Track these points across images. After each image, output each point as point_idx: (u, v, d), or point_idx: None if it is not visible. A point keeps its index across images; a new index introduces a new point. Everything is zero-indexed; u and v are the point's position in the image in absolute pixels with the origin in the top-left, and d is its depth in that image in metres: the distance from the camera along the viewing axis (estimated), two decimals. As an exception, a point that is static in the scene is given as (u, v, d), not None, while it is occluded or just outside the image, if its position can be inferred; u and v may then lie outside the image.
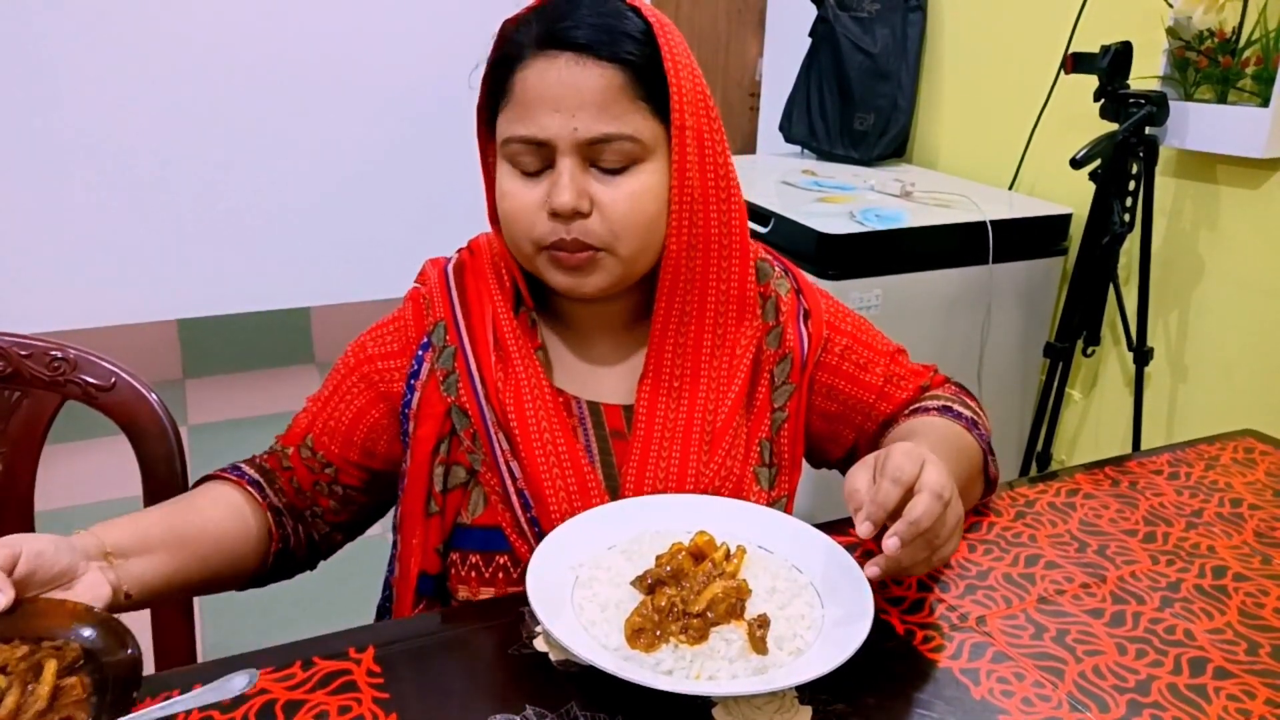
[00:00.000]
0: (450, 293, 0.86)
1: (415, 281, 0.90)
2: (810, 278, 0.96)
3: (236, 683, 0.62)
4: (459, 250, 0.91)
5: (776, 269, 0.91)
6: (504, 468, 0.81)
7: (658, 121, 0.77)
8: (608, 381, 0.87)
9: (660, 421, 0.84)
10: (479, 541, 0.83)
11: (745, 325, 0.86)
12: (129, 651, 0.61)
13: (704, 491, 0.84)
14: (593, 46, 0.74)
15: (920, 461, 0.70)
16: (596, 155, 0.75)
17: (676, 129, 0.77)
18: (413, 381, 0.85)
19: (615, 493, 0.83)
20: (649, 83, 0.76)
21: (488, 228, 0.91)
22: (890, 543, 0.67)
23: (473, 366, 0.83)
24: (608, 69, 0.74)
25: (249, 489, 0.85)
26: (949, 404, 0.90)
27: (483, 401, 0.82)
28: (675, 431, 0.84)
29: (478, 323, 0.84)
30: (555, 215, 0.76)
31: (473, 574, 0.84)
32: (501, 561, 0.83)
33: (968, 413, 0.89)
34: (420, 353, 0.85)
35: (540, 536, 0.78)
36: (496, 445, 0.82)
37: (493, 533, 0.83)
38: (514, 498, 0.82)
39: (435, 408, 0.83)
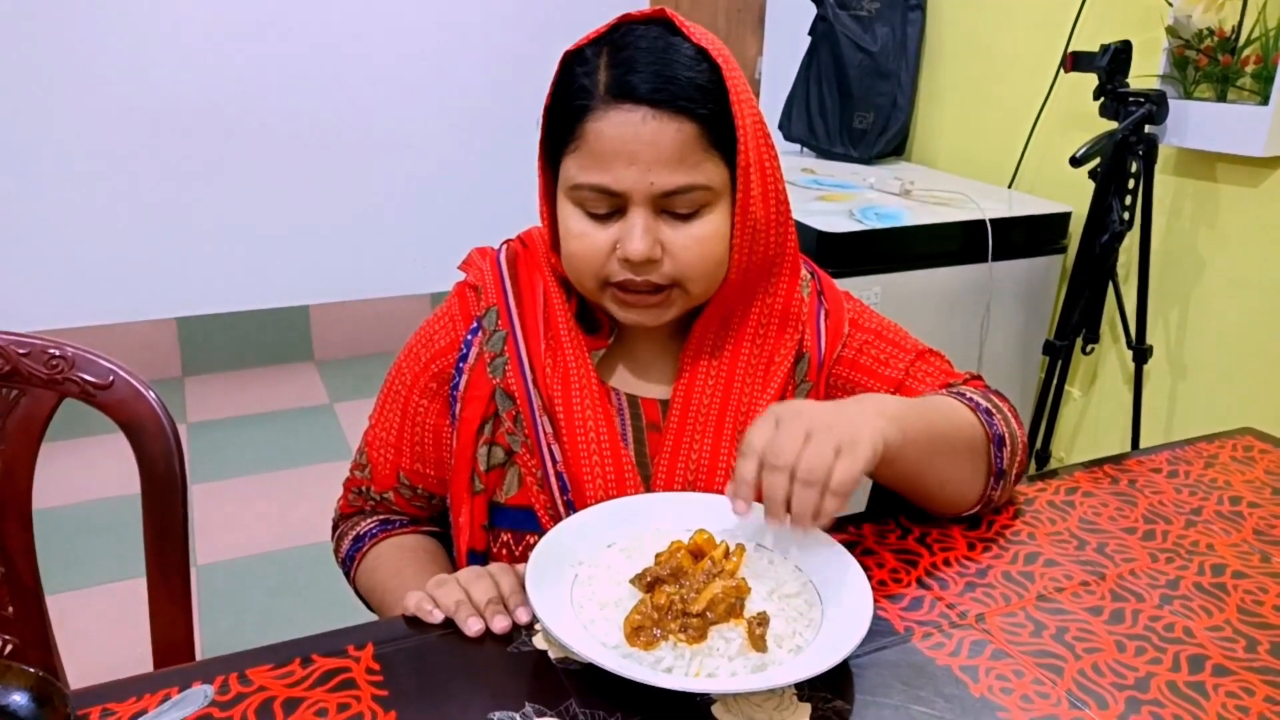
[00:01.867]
0: (503, 280, 0.88)
1: (460, 268, 0.92)
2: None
3: (191, 701, 0.62)
4: (508, 241, 0.92)
5: (803, 271, 0.92)
6: (545, 451, 0.84)
7: (725, 165, 0.78)
8: (649, 377, 0.89)
9: (694, 415, 0.86)
10: (511, 520, 0.86)
11: (786, 335, 0.88)
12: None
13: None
14: (667, 102, 0.74)
15: (771, 423, 0.70)
16: (668, 204, 0.77)
17: (742, 170, 0.78)
18: (461, 365, 0.87)
19: (648, 482, 0.86)
20: (717, 131, 0.77)
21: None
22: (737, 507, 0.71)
23: (522, 351, 0.85)
24: (684, 123, 0.75)
25: (430, 534, 0.96)
26: (964, 391, 0.87)
27: (530, 386, 0.84)
28: (707, 425, 0.86)
29: (529, 310, 0.86)
30: (627, 261, 0.78)
31: (504, 551, 0.87)
32: (532, 541, 0.85)
33: (983, 402, 0.85)
34: (469, 337, 0.87)
35: None
36: (540, 429, 0.84)
37: (525, 513, 0.85)
38: (553, 480, 0.84)
39: (481, 389, 0.85)
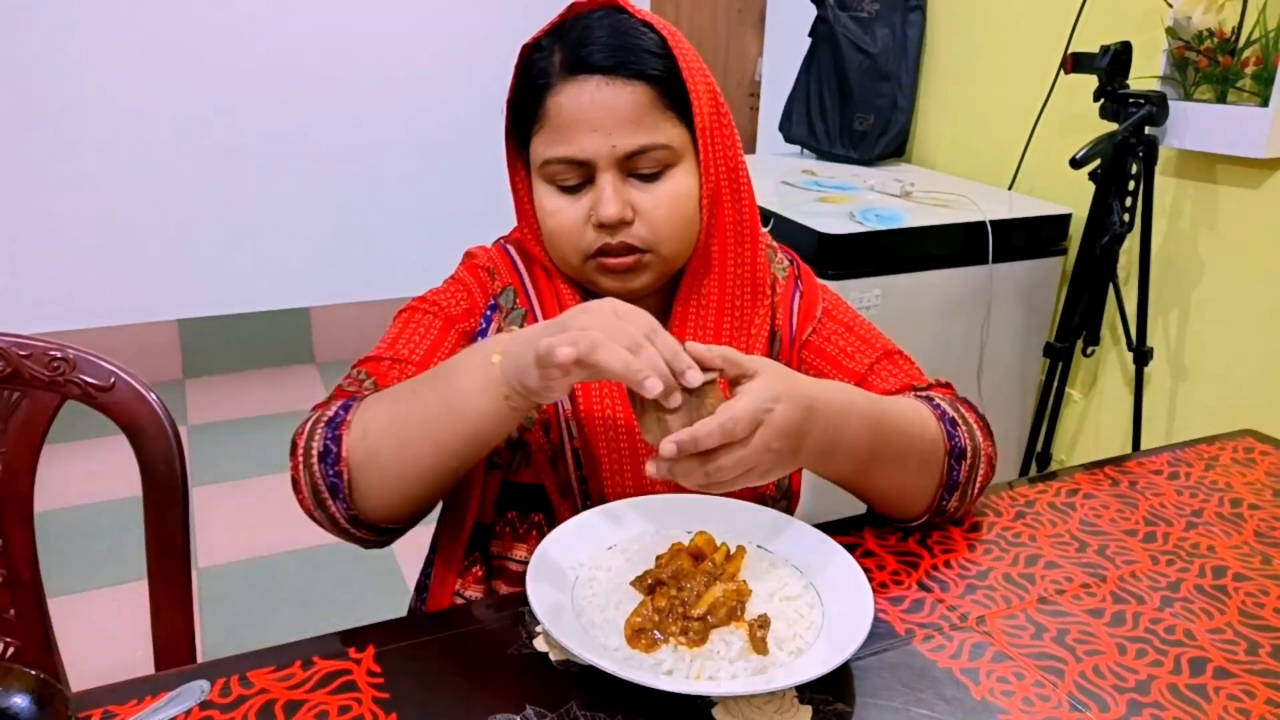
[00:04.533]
0: (516, 264, 0.90)
1: (462, 266, 0.92)
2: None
3: (188, 696, 0.62)
4: (502, 237, 0.94)
5: (779, 255, 0.95)
6: (564, 427, 0.85)
7: (683, 127, 0.82)
8: None
9: None
10: (516, 498, 0.87)
11: (760, 305, 0.89)
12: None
13: None
14: (619, 67, 0.78)
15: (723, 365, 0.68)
16: (634, 166, 0.80)
17: (701, 131, 0.81)
18: (479, 340, 0.87)
19: None
20: (671, 93, 0.80)
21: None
22: (650, 470, 0.66)
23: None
24: (636, 86, 0.79)
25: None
26: (930, 396, 0.86)
27: None
28: None
29: (545, 290, 0.88)
30: (602, 226, 0.80)
31: (508, 530, 0.87)
32: (536, 520, 0.87)
33: (950, 411, 0.83)
34: (489, 313, 0.88)
35: (586, 496, 0.83)
36: (560, 404, 0.85)
37: (533, 490, 0.86)
38: (568, 456, 0.84)
39: None
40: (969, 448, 0.82)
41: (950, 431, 0.82)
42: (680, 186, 0.81)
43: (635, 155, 0.79)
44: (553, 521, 0.85)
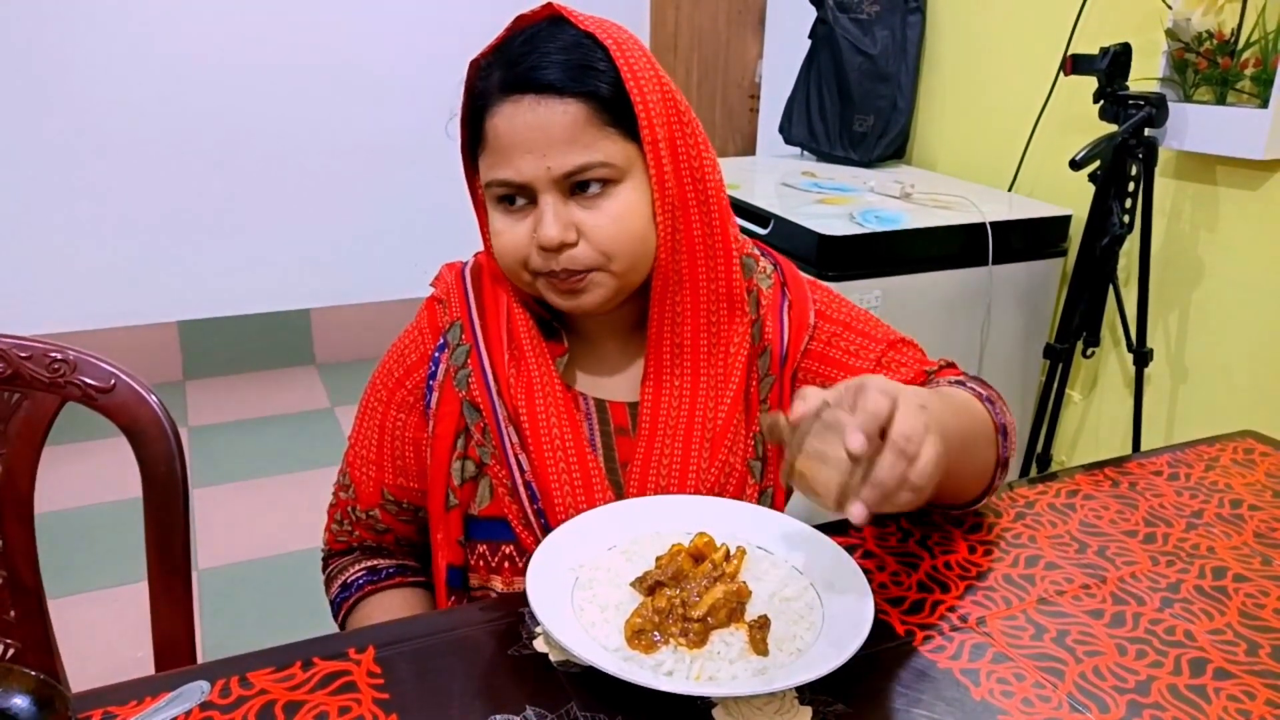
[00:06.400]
0: (467, 294, 0.89)
1: (431, 285, 0.92)
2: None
3: (188, 696, 0.62)
4: (475, 255, 0.93)
5: (762, 262, 0.92)
6: (513, 461, 0.84)
7: (630, 141, 0.79)
8: (614, 381, 0.89)
9: (664, 420, 0.85)
10: (485, 532, 0.87)
11: (737, 322, 0.87)
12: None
13: (706, 488, 0.85)
14: (554, 85, 0.76)
15: (892, 401, 0.62)
16: (575, 185, 0.78)
17: (649, 145, 0.78)
18: (431, 383, 0.87)
19: (618, 487, 0.85)
20: (615, 107, 0.77)
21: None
22: (857, 514, 0.61)
23: (486, 363, 0.85)
24: (570, 103, 0.76)
25: (415, 584, 0.94)
26: (962, 380, 0.88)
27: (494, 396, 0.85)
28: (677, 429, 0.85)
29: (492, 321, 0.87)
30: (543, 249, 0.78)
31: (481, 563, 0.87)
32: (507, 551, 0.86)
33: (983, 391, 0.86)
34: (437, 354, 0.88)
35: (546, 528, 0.82)
36: (506, 439, 0.84)
37: (498, 524, 0.86)
38: (521, 490, 0.84)
39: (451, 405, 0.86)
40: (1007, 424, 0.84)
41: (992, 410, 0.83)
42: (625, 203, 0.78)
43: (573, 174, 0.77)
44: (522, 553, 0.86)
